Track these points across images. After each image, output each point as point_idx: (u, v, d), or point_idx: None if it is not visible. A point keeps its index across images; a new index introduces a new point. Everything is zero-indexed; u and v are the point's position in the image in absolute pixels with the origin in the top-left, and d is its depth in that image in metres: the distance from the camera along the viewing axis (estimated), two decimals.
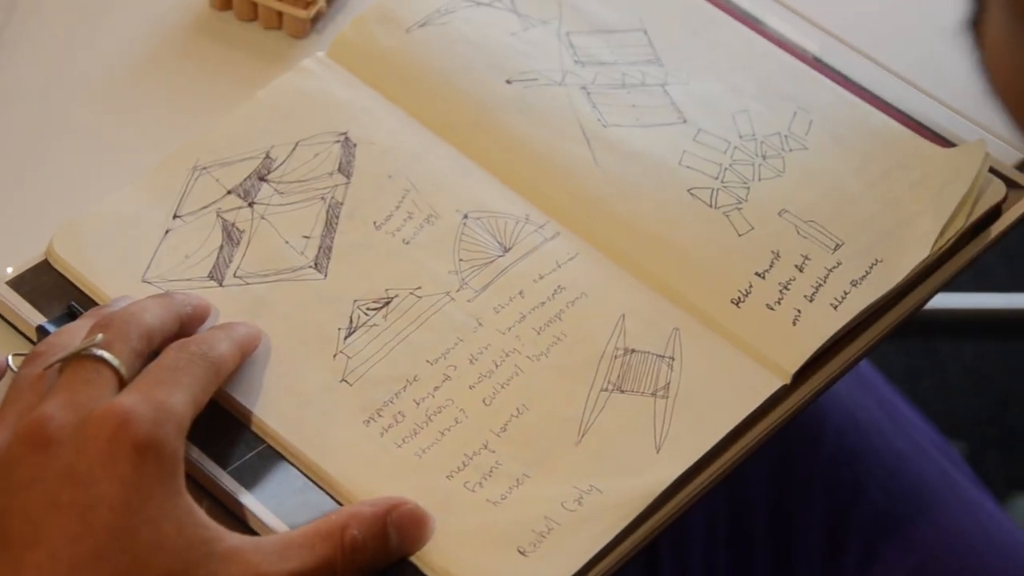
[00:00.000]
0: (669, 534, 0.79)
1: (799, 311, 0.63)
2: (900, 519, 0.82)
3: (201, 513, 0.54)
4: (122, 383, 0.55)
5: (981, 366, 1.47)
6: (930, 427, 0.90)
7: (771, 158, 0.69)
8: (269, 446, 0.60)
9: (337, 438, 0.60)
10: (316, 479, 0.59)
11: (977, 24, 0.40)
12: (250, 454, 0.59)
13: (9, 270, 0.64)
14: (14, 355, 0.59)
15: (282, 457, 0.59)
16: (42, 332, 0.62)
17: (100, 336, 0.56)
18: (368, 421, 0.60)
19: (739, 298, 0.64)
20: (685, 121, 0.70)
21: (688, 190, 0.67)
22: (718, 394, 0.61)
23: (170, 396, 0.54)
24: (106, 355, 0.55)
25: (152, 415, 0.53)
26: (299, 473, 0.59)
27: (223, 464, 0.59)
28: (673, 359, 0.62)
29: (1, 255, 0.65)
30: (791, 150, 0.69)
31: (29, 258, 0.64)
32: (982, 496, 0.87)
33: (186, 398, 0.55)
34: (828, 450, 0.84)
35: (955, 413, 1.43)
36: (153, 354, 0.58)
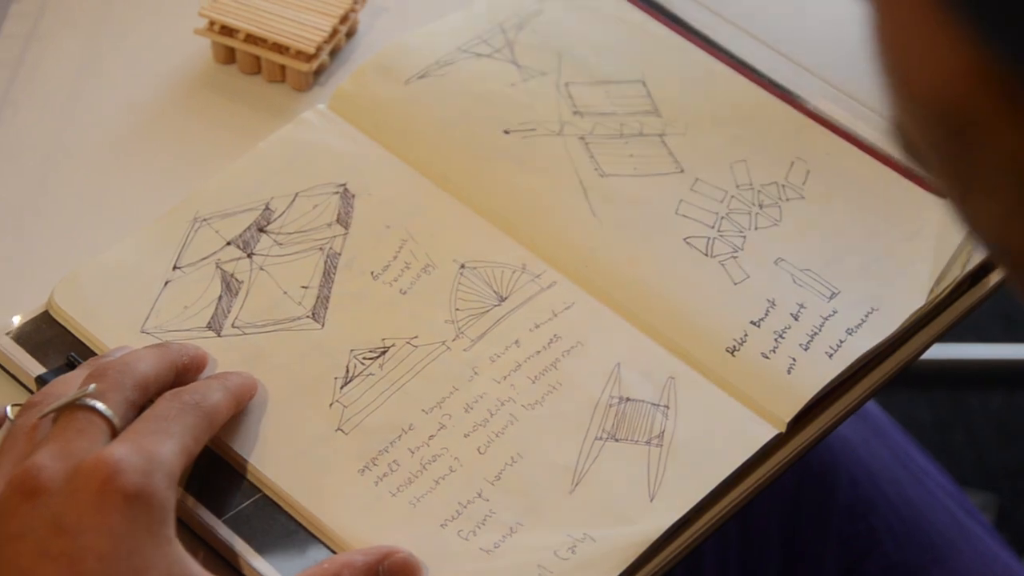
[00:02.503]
0: None
1: (794, 359, 0.64)
2: (914, 570, 0.83)
3: (192, 563, 0.55)
4: (115, 433, 0.57)
5: (1011, 417, 1.47)
6: (945, 476, 0.90)
7: (768, 207, 0.70)
8: (265, 495, 0.61)
9: (332, 487, 0.61)
10: (311, 527, 0.60)
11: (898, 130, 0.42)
12: (246, 503, 0.61)
13: (15, 320, 0.66)
14: (13, 405, 0.61)
15: (277, 506, 0.61)
16: (41, 382, 0.63)
17: (94, 386, 0.57)
18: (363, 470, 0.61)
19: (734, 346, 0.65)
20: (682, 171, 0.71)
21: (684, 239, 0.68)
22: (713, 443, 0.62)
23: (161, 445, 0.55)
24: (99, 405, 0.57)
25: (142, 465, 0.54)
26: (294, 522, 0.60)
27: (219, 513, 0.60)
28: (668, 407, 0.63)
29: (4, 305, 0.66)
30: (788, 199, 0.70)
31: (31, 309, 0.66)
32: (997, 546, 0.87)
33: (177, 447, 0.56)
34: (842, 501, 0.85)
35: (985, 465, 1.44)
36: (147, 404, 0.59)
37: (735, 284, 0.67)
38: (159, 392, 0.59)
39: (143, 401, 0.59)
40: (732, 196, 0.70)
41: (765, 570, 0.84)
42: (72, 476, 0.54)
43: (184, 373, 0.62)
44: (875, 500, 0.86)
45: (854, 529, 0.85)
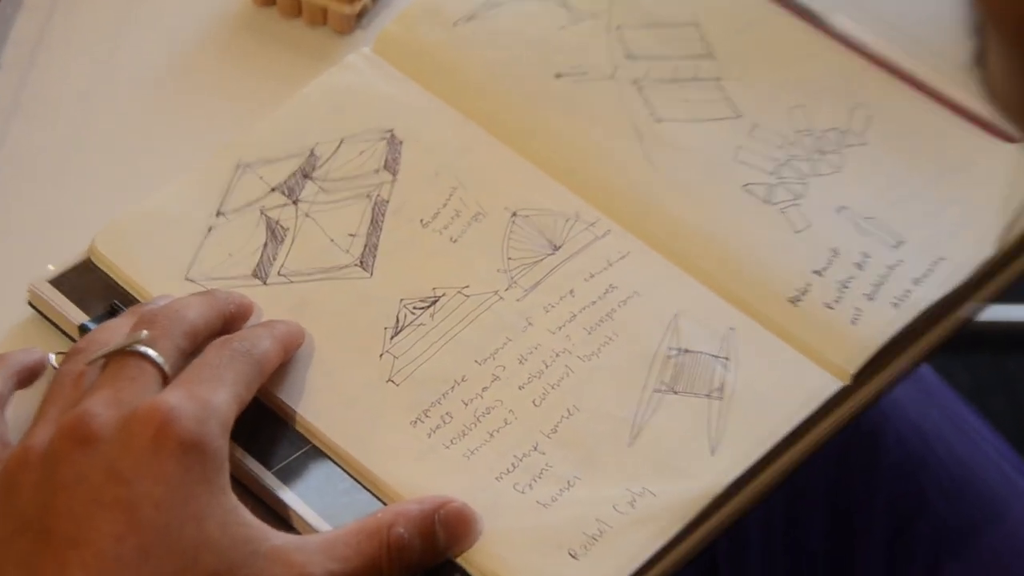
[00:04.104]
0: (725, 542, 0.79)
1: (859, 310, 0.64)
2: (966, 530, 0.82)
3: (245, 512, 0.55)
4: (166, 380, 0.56)
5: None
6: (994, 434, 0.89)
7: (829, 153, 0.69)
8: (314, 446, 0.61)
9: (383, 438, 0.61)
10: (362, 479, 0.60)
11: (981, 61, 0.41)
12: (295, 454, 0.60)
13: (50, 267, 0.65)
14: (56, 353, 0.60)
15: (327, 457, 0.60)
16: (84, 331, 0.63)
17: (144, 332, 0.57)
18: (415, 422, 0.61)
19: (796, 296, 0.64)
20: (740, 116, 0.70)
21: (743, 186, 0.68)
22: (775, 395, 0.62)
23: (214, 393, 0.55)
24: (150, 351, 0.56)
25: (196, 413, 0.54)
26: (344, 473, 0.60)
27: (267, 464, 0.60)
28: (728, 359, 0.63)
29: (44, 254, 0.66)
30: (849, 146, 0.69)
31: (71, 256, 0.66)
32: None
33: (229, 395, 0.56)
34: (890, 459, 0.84)
35: None
36: (196, 352, 0.59)
37: (796, 232, 0.66)
38: (207, 340, 0.59)
39: (192, 349, 0.58)
40: (791, 142, 0.69)
41: (811, 530, 0.84)
42: (126, 423, 0.54)
43: (231, 321, 0.61)
44: (925, 458, 0.85)
45: (903, 488, 0.84)
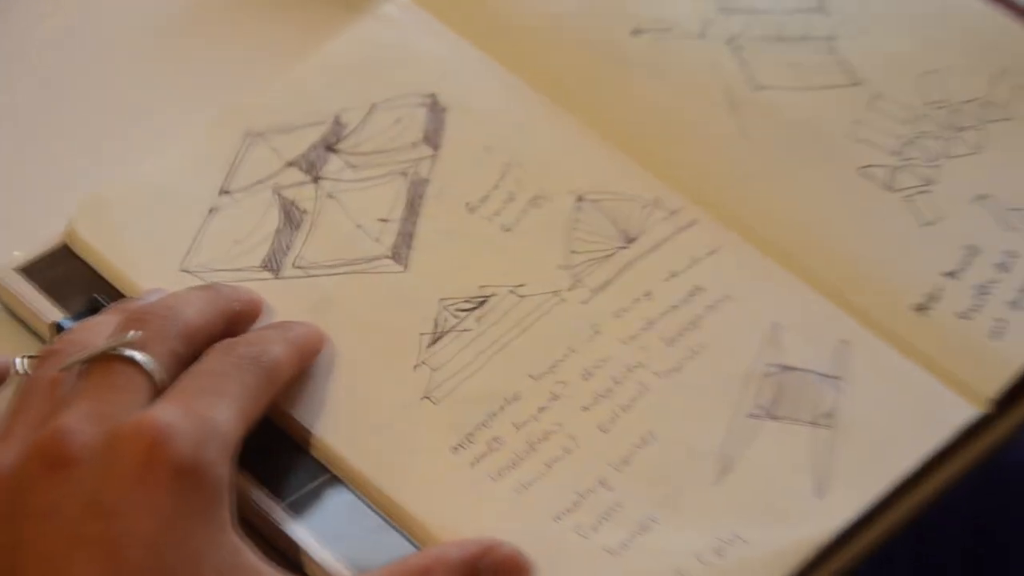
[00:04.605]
0: None
1: (1001, 321, 0.64)
2: None
3: (251, 554, 0.55)
4: (157, 391, 0.57)
5: None
6: None
7: (967, 130, 0.69)
8: (334, 476, 0.61)
9: (418, 468, 0.61)
10: (391, 517, 0.60)
11: None
12: (311, 485, 0.61)
13: (17, 254, 0.66)
14: (25, 357, 0.61)
15: (350, 489, 0.61)
16: (59, 330, 0.64)
17: (133, 333, 0.57)
18: (457, 448, 0.62)
19: (924, 304, 0.64)
20: (858, 83, 0.71)
21: (860, 168, 0.68)
22: (896, 423, 0.62)
23: (215, 409, 0.56)
24: (139, 356, 0.57)
25: (194, 432, 0.54)
26: (370, 510, 0.60)
27: (278, 496, 0.60)
28: (840, 379, 0.63)
29: (10, 238, 0.67)
30: (992, 121, 0.70)
31: (44, 241, 0.66)
32: None
33: (234, 412, 0.56)
34: None
35: None
36: (193, 358, 0.59)
37: (924, 225, 0.67)
38: (207, 344, 0.60)
39: (189, 354, 0.59)
40: (921, 115, 0.70)
41: None
42: (109, 443, 0.54)
43: (236, 322, 0.62)
44: None
45: None
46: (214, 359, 0.58)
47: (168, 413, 0.55)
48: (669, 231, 0.67)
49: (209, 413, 0.55)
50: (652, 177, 0.68)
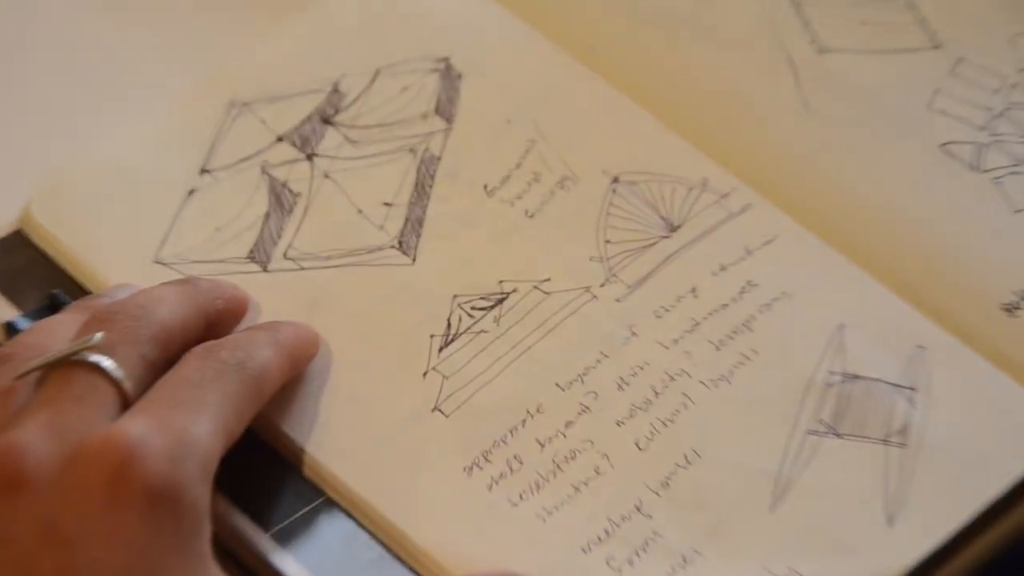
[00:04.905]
0: None
1: None
2: None
3: None
4: (126, 403, 0.56)
5: None
6: None
7: None
8: (329, 499, 0.61)
9: (426, 490, 0.61)
10: (394, 547, 0.60)
11: None
12: (303, 510, 0.61)
13: None
14: None
15: (347, 515, 0.61)
16: (13, 331, 0.63)
17: (98, 336, 0.57)
18: (471, 468, 0.62)
19: (1015, 303, 0.64)
20: (939, 46, 0.71)
21: (941, 145, 0.68)
22: (981, 441, 0.62)
23: (193, 423, 0.56)
24: (105, 362, 0.56)
25: (168, 449, 0.54)
26: (370, 538, 0.60)
27: (264, 523, 0.60)
28: (915, 391, 0.63)
29: None
30: None
31: None
32: None
33: (214, 426, 0.56)
34: None
35: None
36: (169, 364, 0.59)
37: (1017, 212, 0.67)
38: (184, 349, 0.60)
39: (163, 360, 0.59)
40: (1012, 84, 0.70)
41: None
42: (70, 462, 0.54)
43: (218, 322, 0.62)
44: None
45: None
46: (192, 365, 0.58)
47: (138, 427, 0.54)
48: (719, 217, 0.67)
49: (186, 427, 0.55)
50: (699, 154, 0.68)
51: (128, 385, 0.57)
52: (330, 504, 0.61)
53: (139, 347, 0.58)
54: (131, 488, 0.53)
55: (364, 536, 0.60)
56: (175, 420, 0.55)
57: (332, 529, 0.61)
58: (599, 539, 0.60)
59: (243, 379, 0.58)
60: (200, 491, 0.54)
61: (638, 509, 0.61)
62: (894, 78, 0.70)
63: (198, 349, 0.59)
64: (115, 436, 0.54)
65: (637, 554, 0.60)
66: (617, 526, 0.60)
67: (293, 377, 0.62)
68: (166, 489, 0.54)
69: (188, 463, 0.54)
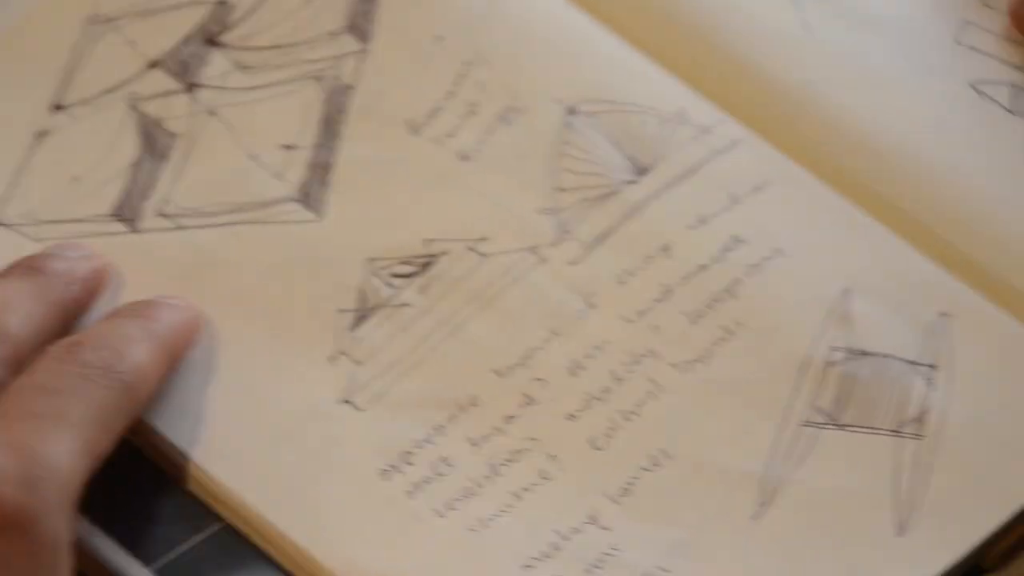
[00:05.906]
0: None
1: None
2: None
3: None
4: None
5: None
6: None
7: None
8: (221, 523, 0.67)
9: (336, 502, 0.67)
10: (297, 571, 0.66)
11: None
12: (192, 540, 0.67)
13: None
14: None
15: (246, 542, 0.67)
16: None
17: None
18: (388, 472, 0.68)
19: None
20: None
21: (971, 84, 0.73)
22: (1015, 434, 0.67)
23: (49, 440, 0.61)
24: None
25: (18, 472, 0.60)
26: (270, 568, 0.66)
27: (144, 558, 0.66)
28: (936, 368, 0.69)
29: None
30: None
31: None
32: None
33: (76, 443, 0.62)
34: None
35: None
36: (18, 369, 0.64)
37: None
38: (37, 349, 0.65)
39: (12, 363, 0.64)
40: None
41: None
42: None
43: (75, 307, 0.67)
44: None
45: None
46: (47, 370, 0.64)
47: None
48: (698, 157, 0.73)
49: (40, 445, 0.61)
50: (675, 80, 0.73)
51: None
52: (224, 530, 0.67)
53: None
54: None
55: (263, 564, 0.66)
56: (26, 438, 0.61)
57: (226, 559, 0.66)
58: (544, 555, 0.66)
59: (111, 385, 0.64)
60: (58, 521, 0.60)
61: (593, 520, 0.67)
62: (915, 3, 0.74)
63: (55, 349, 0.65)
64: None
65: (590, 572, 0.66)
66: (567, 540, 0.66)
67: (173, 370, 0.67)
68: (16, 519, 0.59)
69: (43, 488, 0.60)
